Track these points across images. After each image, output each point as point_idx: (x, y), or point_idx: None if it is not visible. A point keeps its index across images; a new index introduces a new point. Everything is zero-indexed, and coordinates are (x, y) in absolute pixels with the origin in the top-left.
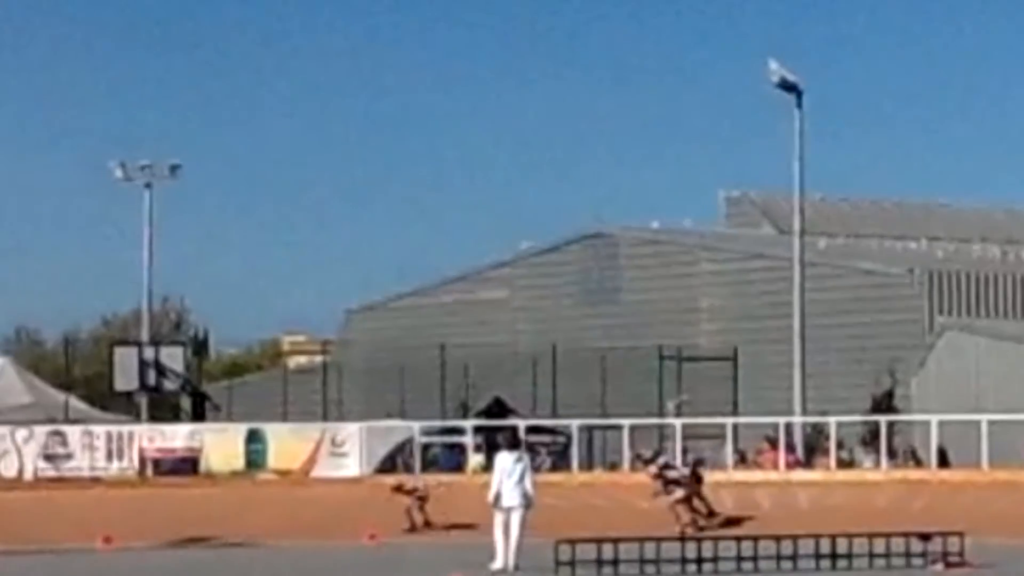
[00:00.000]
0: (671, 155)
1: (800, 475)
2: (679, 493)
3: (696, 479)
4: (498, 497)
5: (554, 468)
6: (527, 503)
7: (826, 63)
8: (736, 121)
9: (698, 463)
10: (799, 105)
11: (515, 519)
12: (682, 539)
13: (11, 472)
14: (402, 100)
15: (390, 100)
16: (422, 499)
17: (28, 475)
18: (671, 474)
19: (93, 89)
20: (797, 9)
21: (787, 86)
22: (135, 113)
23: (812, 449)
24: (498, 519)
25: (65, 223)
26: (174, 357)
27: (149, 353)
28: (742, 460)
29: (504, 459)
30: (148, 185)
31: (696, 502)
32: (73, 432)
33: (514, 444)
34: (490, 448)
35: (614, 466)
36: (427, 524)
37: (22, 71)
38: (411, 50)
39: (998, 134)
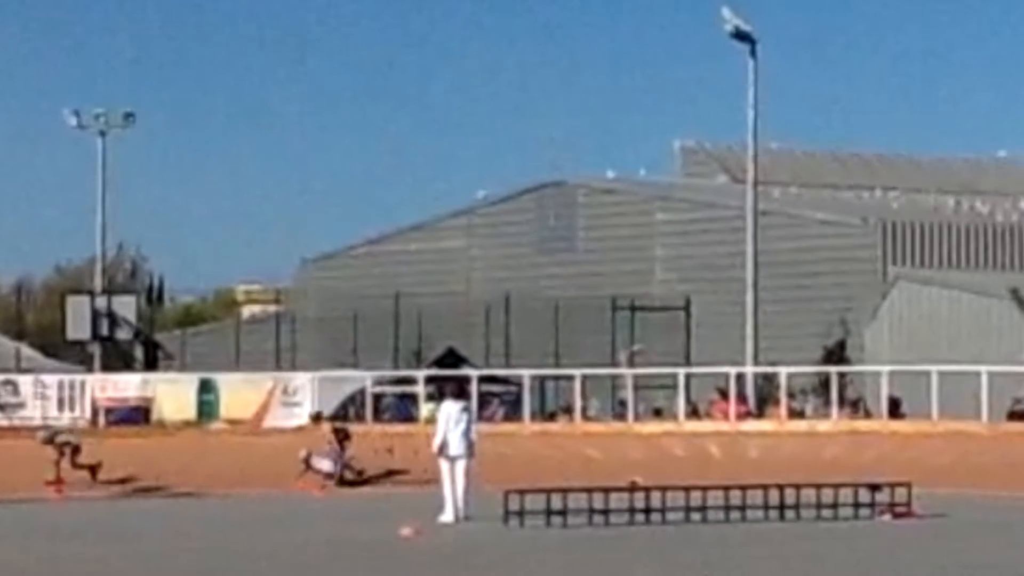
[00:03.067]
0: (627, 105)
1: (751, 426)
2: None
3: None
4: (443, 446)
5: (507, 418)
6: (472, 452)
7: (780, 10)
8: (691, 71)
9: None
10: (753, 54)
11: (460, 468)
12: (631, 490)
13: None
14: (360, 45)
15: (346, 46)
16: (75, 451)
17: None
18: None
19: (46, 36)
20: None
21: (741, 35)
22: (88, 60)
23: (764, 400)
24: (444, 469)
25: (19, 171)
26: (127, 306)
27: (102, 302)
28: (694, 413)
29: (449, 407)
30: (102, 133)
31: None
32: (25, 381)
33: (459, 394)
34: (442, 398)
35: (566, 412)
36: (87, 469)
37: None
38: None
39: (955, 83)
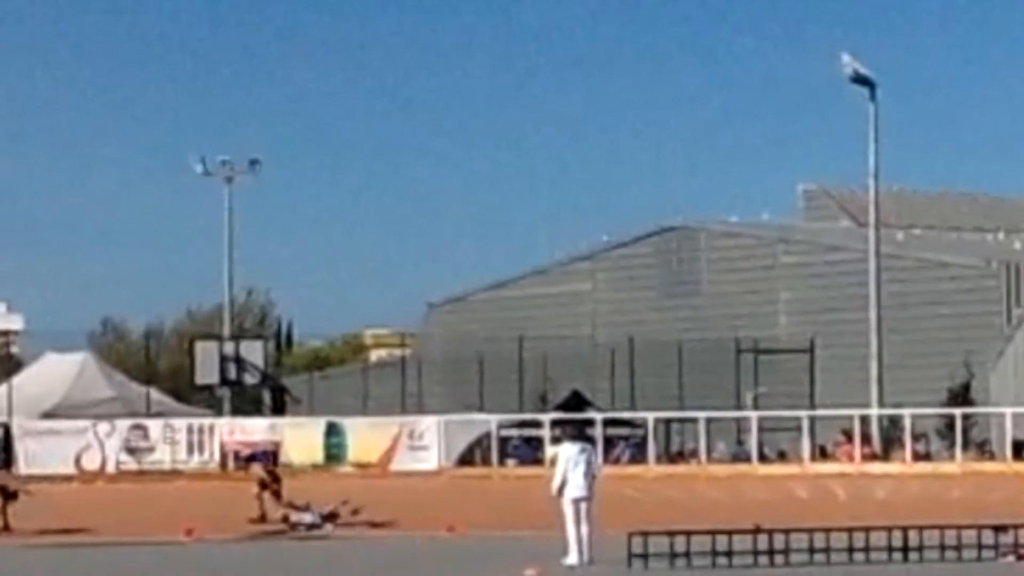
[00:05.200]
0: (750, 149)
1: (876, 468)
2: None
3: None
4: (562, 487)
5: (632, 460)
6: (592, 494)
7: (900, 56)
8: (813, 115)
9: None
10: (872, 98)
11: (584, 510)
12: (755, 532)
13: (93, 465)
14: (484, 93)
15: (472, 95)
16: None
17: (110, 468)
18: None
19: (173, 85)
20: (869, 3)
21: (861, 79)
22: (214, 108)
23: (888, 442)
24: (568, 511)
25: (149, 218)
26: (254, 351)
27: (229, 348)
28: (823, 453)
29: (569, 449)
30: (228, 179)
31: None
32: (155, 425)
33: (577, 436)
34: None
35: (691, 455)
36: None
37: (107, 68)
38: (490, 46)
39: None
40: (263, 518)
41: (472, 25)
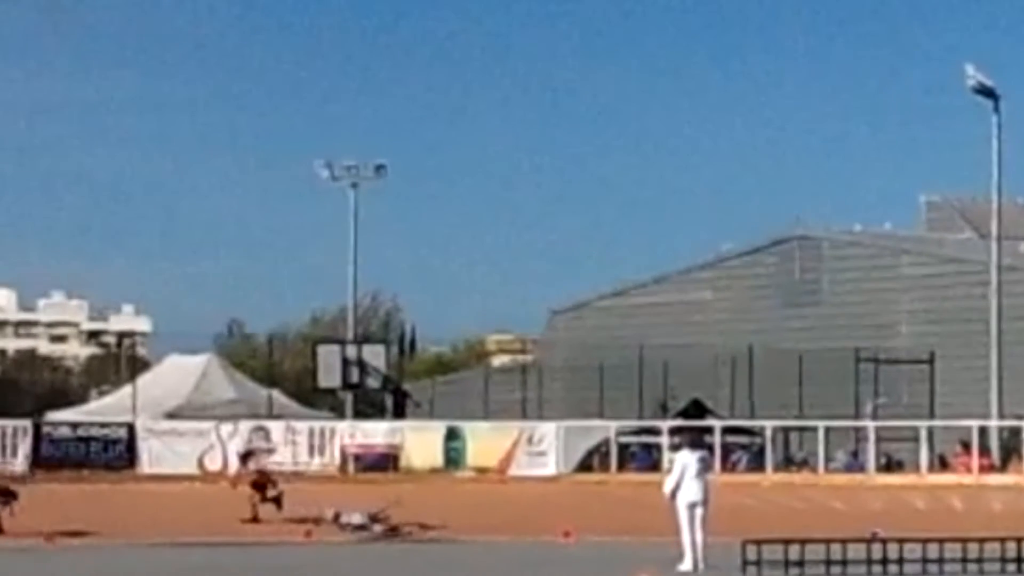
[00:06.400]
0: (872, 158)
1: (994, 479)
2: None
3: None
4: (675, 492)
5: (750, 469)
6: (707, 500)
7: None
8: (936, 125)
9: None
10: (996, 109)
11: (698, 516)
12: (869, 541)
13: (215, 466)
14: (606, 99)
15: (594, 100)
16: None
17: (232, 469)
18: None
19: (299, 91)
20: (993, 14)
21: (984, 91)
22: (340, 114)
23: (1008, 453)
24: (684, 517)
25: (275, 223)
26: (376, 355)
27: (352, 351)
28: (942, 464)
29: (686, 456)
30: (354, 185)
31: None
32: (276, 427)
33: (696, 444)
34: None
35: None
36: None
37: (236, 72)
38: (616, 47)
39: None
40: (255, 519)
41: (599, 27)
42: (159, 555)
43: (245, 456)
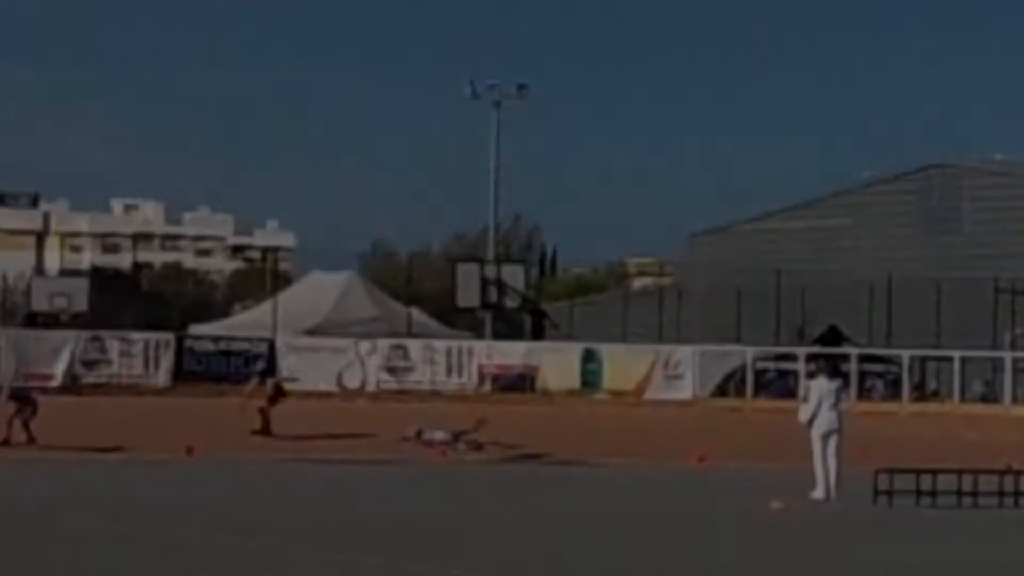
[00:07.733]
0: (1018, 88)
1: None
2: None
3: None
4: (811, 420)
5: (885, 397)
6: (842, 429)
7: None
8: None
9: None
10: None
11: (833, 445)
12: (1002, 472)
13: (354, 383)
14: (745, 26)
15: (734, 26)
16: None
17: (371, 387)
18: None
19: (443, 11)
20: None
21: None
22: (484, 34)
23: None
24: (817, 447)
25: (420, 141)
26: (515, 275)
27: (491, 271)
28: None
29: (823, 384)
30: (497, 104)
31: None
32: (415, 346)
33: (833, 373)
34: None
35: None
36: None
37: None
38: None
39: None
40: (266, 430)
41: None
42: (321, 471)
43: (264, 373)
